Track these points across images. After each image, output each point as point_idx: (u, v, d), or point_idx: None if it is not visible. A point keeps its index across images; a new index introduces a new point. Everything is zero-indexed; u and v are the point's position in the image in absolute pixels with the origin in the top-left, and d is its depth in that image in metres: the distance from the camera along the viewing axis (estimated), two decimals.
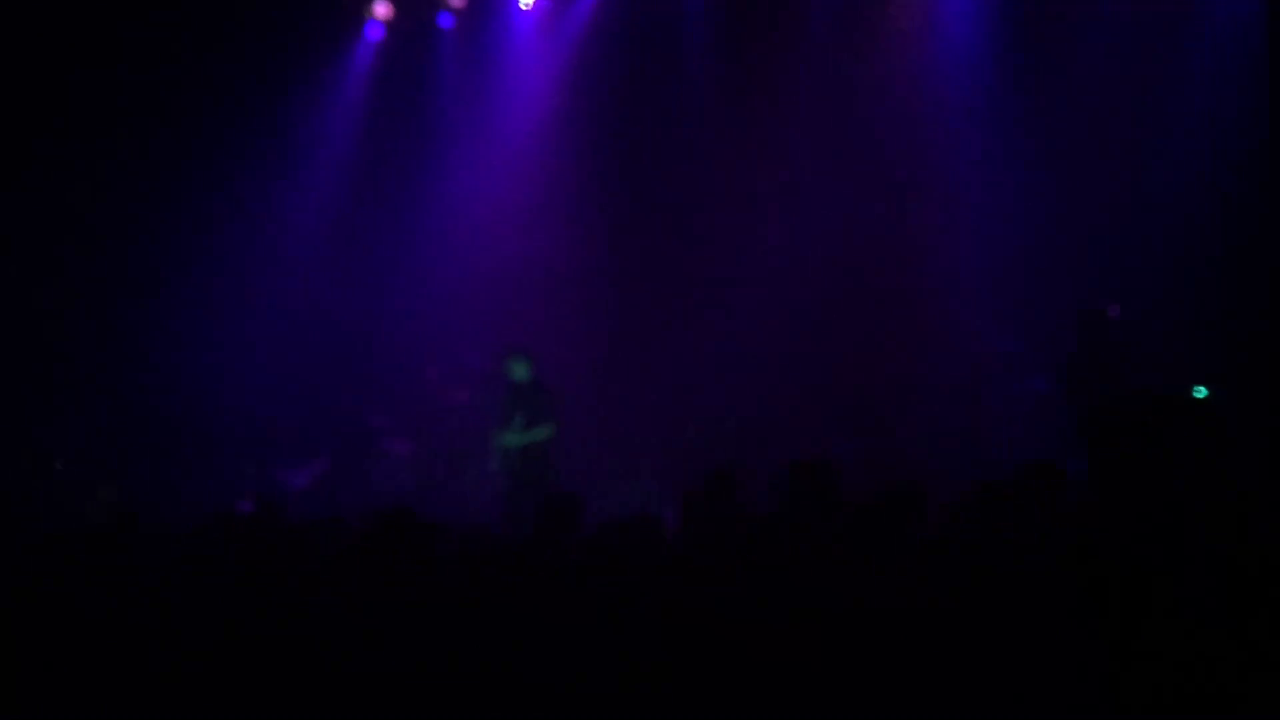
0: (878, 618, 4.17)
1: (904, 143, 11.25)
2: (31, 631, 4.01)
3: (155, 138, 11.75)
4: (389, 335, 12.08)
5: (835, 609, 4.36)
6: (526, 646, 4.51)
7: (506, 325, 11.20)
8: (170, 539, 5.18)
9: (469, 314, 11.82)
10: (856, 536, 5.20)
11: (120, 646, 3.84)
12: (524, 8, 12.34)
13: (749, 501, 8.63)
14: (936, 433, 9.94)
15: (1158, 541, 2.97)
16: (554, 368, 10.35)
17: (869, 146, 11.41)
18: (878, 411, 10.41)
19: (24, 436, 10.90)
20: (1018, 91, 10.82)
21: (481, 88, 12.58)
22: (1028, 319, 10.12)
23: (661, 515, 8.58)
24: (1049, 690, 3.24)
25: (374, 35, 12.63)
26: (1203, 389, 8.68)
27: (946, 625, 3.98)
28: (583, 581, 5.01)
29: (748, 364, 11.06)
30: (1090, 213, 10.61)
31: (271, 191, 12.09)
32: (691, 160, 12.10)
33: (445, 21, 12.53)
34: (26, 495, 10.07)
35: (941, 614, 4.07)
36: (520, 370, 9.88)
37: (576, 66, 12.33)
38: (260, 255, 12.01)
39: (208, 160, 11.85)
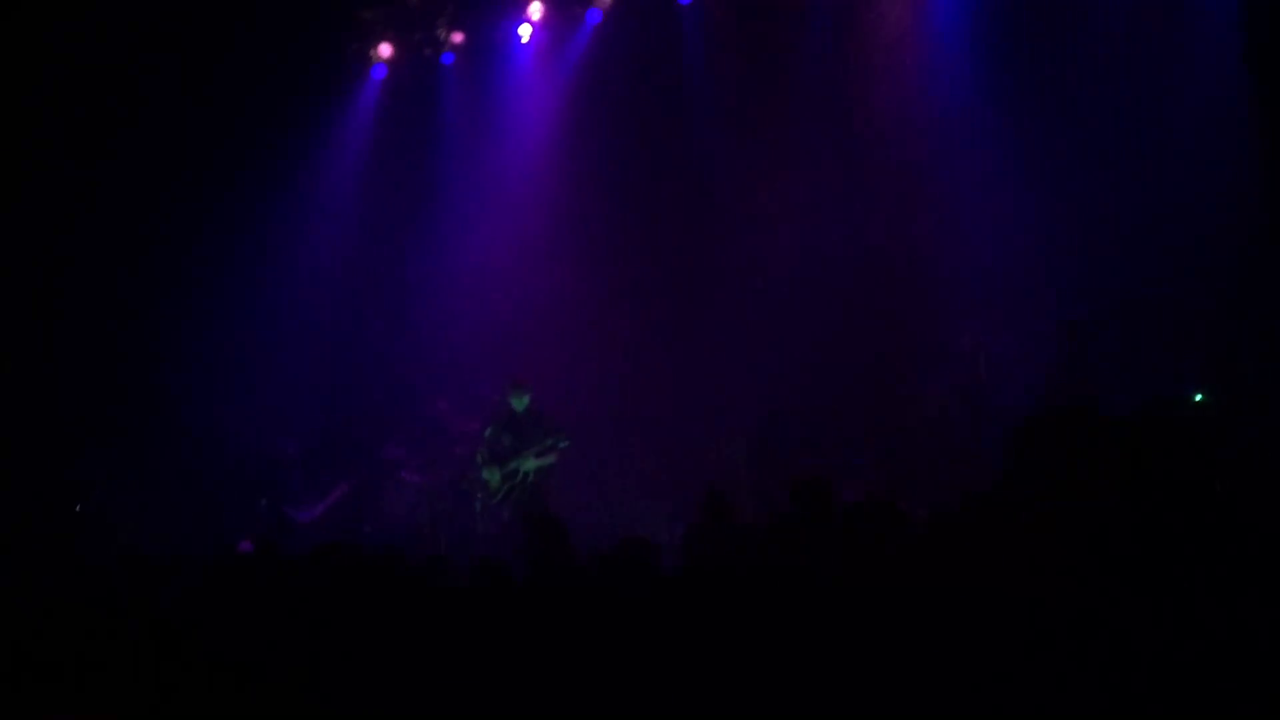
0: (871, 632, 4.29)
1: (904, 158, 11.33)
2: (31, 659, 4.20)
3: (165, 177, 12.03)
4: (401, 367, 12.30)
5: (833, 625, 4.49)
6: (525, 677, 4.65)
7: (515, 355, 11.39)
8: (173, 577, 5.36)
9: (479, 345, 12.01)
10: (849, 547, 5.30)
11: (116, 680, 4.03)
12: (523, 41, 12.56)
13: (751, 518, 8.78)
14: (938, 446, 10.01)
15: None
16: (563, 395, 10.52)
17: (869, 163, 11.52)
18: (882, 426, 10.50)
19: (43, 472, 11.15)
20: (1014, 105, 10.87)
21: (485, 121, 12.81)
22: (1025, 329, 10.15)
23: (661, 539, 8.76)
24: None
25: (378, 74, 12.88)
26: (1199, 395, 8.73)
27: (935, 640, 4.09)
28: (580, 608, 5.14)
29: (754, 381, 11.17)
30: (1086, 224, 10.69)
31: (282, 228, 12.35)
32: (694, 183, 12.25)
33: (447, 59, 12.77)
34: (45, 529, 10.30)
35: (930, 629, 4.18)
36: (520, 400, 10.09)
37: (577, 95, 12.52)
38: (274, 290, 12.27)
39: (219, 198, 12.13)
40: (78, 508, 10.97)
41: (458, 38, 12.65)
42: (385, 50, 12.76)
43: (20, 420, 11.27)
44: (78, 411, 11.60)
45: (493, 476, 10.08)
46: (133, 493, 11.05)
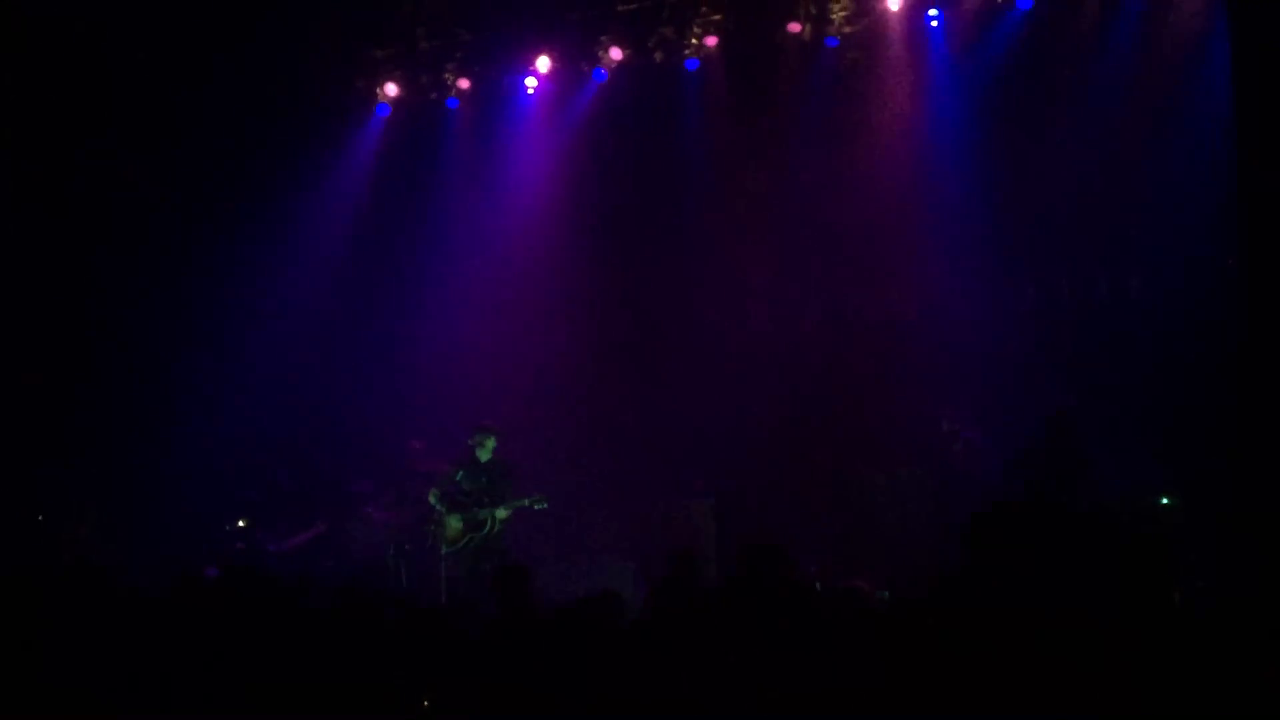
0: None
1: (891, 235, 11.52)
2: None
3: (166, 208, 12.12)
4: (378, 404, 12.30)
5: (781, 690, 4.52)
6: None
7: (491, 401, 11.42)
8: (135, 597, 5.35)
9: (457, 388, 12.04)
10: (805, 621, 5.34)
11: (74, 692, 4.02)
12: (529, 92, 12.73)
13: (711, 580, 8.80)
14: (903, 526, 10.07)
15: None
16: (534, 445, 10.52)
17: (856, 238, 11.70)
18: (847, 500, 10.57)
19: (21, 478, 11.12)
20: (1004, 190, 11.09)
21: (482, 167, 12.93)
22: (998, 411, 10.25)
23: (627, 593, 8.75)
24: None
25: (382, 112, 13.02)
26: (1165, 499, 8.83)
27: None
28: (542, 658, 5.15)
29: (725, 445, 11.24)
30: (1066, 311, 10.86)
31: (272, 261, 12.39)
32: (680, 245, 12.41)
33: (452, 103, 12.91)
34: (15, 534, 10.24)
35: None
36: (485, 448, 10.08)
37: (575, 151, 12.68)
38: (256, 323, 12.28)
39: (214, 231, 12.20)
40: (39, 517, 10.91)
41: (464, 84, 12.80)
42: (391, 90, 12.91)
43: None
44: (62, 418, 11.60)
45: (454, 523, 10.05)
46: (105, 502, 10.98)
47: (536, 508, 9.97)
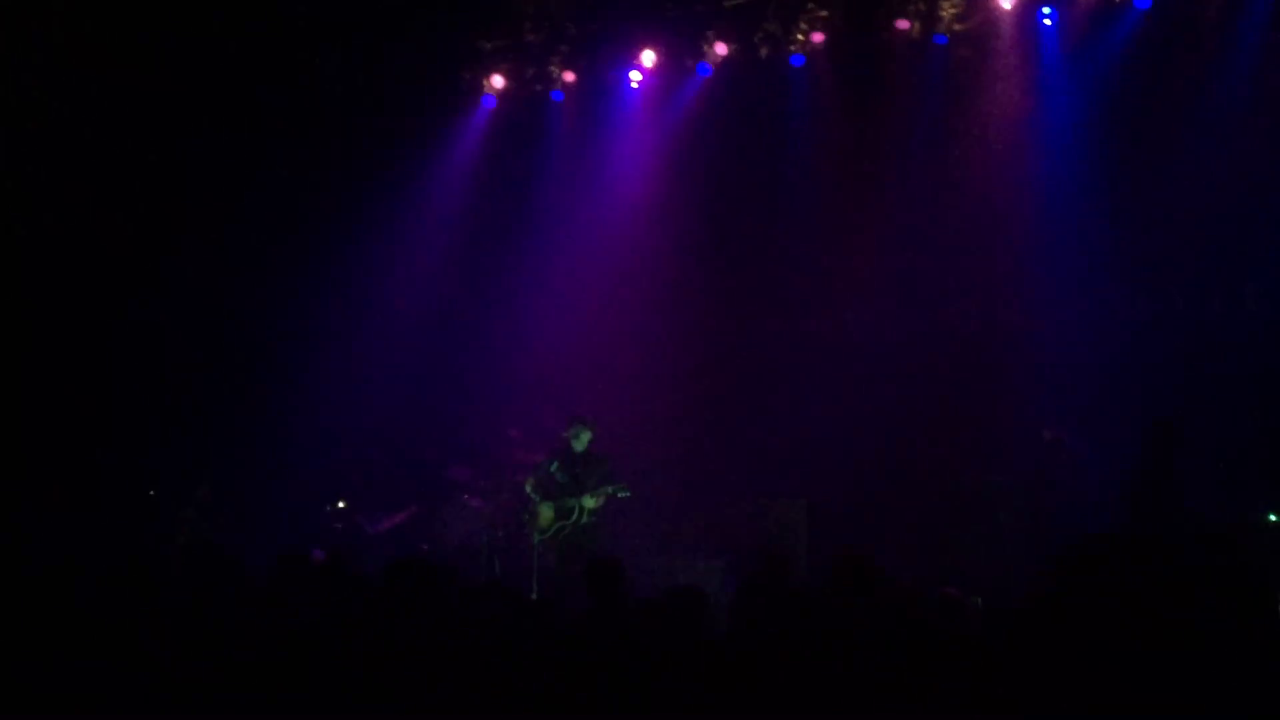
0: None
1: (998, 243, 11.32)
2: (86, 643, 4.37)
3: (275, 202, 12.40)
4: (479, 392, 12.48)
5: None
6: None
7: (589, 392, 11.51)
8: (243, 576, 5.52)
9: (557, 378, 12.16)
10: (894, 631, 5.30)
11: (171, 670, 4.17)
12: (633, 86, 12.77)
13: (803, 585, 8.76)
14: (994, 535, 9.92)
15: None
16: (629, 439, 10.56)
17: (962, 244, 11.52)
18: (941, 503, 10.43)
19: (126, 464, 11.53)
20: (1114, 202, 10.83)
21: (586, 159, 13.00)
22: (1104, 423, 10.03)
23: (714, 590, 8.77)
24: None
25: (488, 104, 13.17)
26: (1273, 515, 8.58)
27: None
28: (625, 650, 5.20)
29: (820, 448, 11.17)
30: (1177, 322, 10.58)
31: (378, 253, 12.63)
32: (784, 245, 12.35)
33: (557, 96, 13.01)
34: (121, 520, 10.61)
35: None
36: (580, 439, 10.15)
37: (679, 146, 12.69)
38: (364, 313, 12.55)
39: (323, 224, 12.50)
40: (151, 493, 11.30)
41: (570, 76, 12.88)
42: (498, 82, 13.05)
43: (113, 408, 11.68)
44: (174, 403, 11.99)
45: (546, 512, 10.17)
46: (213, 486, 11.34)
47: (620, 496, 10.01)
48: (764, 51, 12.03)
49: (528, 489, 10.39)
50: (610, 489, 9.99)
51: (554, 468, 10.23)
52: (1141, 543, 3.21)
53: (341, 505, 11.79)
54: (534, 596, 9.19)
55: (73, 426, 11.48)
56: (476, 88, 13.12)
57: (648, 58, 12.48)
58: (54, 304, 11.64)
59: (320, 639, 4.50)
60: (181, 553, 5.91)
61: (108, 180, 11.70)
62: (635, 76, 12.67)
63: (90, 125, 11.52)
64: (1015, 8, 11.23)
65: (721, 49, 12.23)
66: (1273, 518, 8.64)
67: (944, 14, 11.39)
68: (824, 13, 11.81)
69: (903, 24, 11.51)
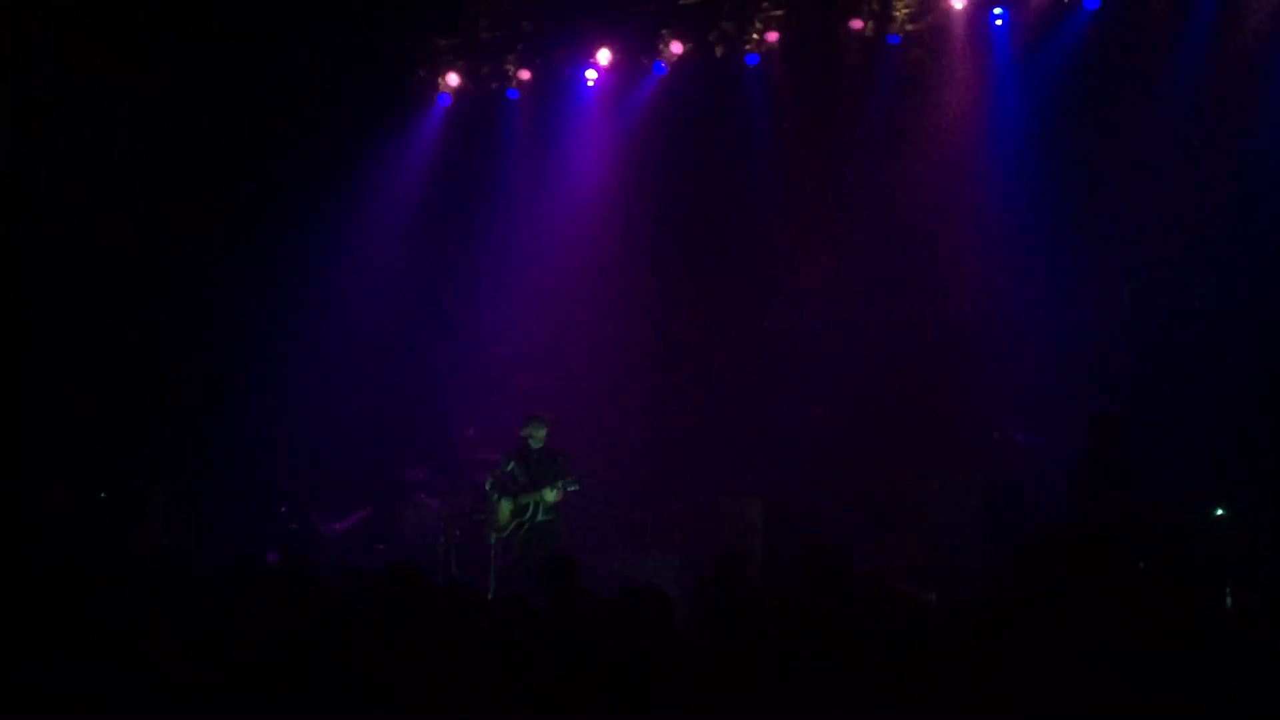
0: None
1: (948, 240, 11.42)
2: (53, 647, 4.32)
3: (222, 196, 12.29)
4: (435, 391, 12.42)
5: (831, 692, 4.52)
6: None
7: (545, 391, 11.49)
8: (196, 579, 5.47)
9: (512, 377, 12.13)
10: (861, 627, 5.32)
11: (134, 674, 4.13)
12: (589, 85, 12.76)
13: (759, 583, 8.79)
14: (947, 531, 10.00)
15: None
16: (585, 437, 10.55)
17: (914, 242, 11.61)
18: (896, 499, 10.51)
19: (80, 467, 11.36)
20: (1063, 195, 10.94)
21: (541, 158, 12.99)
22: (1056, 418, 10.12)
23: (669, 587, 8.77)
24: None
25: (443, 102, 13.11)
26: (1220, 509, 8.70)
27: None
28: (584, 649, 5.19)
29: (776, 445, 11.22)
30: (1127, 322, 10.71)
31: (329, 249, 12.53)
32: (738, 243, 12.39)
33: (512, 94, 12.98)
34: (75, 523, 10.46)
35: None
36: (536, 436, 10.14)
37: (635, 144, 12.69)
38: (316, 311, 12.45)
39: (272, 219, 12.36)
40: (102, 495, 11.16)
41: (525, 75, 12.86)
42: (453, 79, 13.00)
43: (67, 410, 11.51)
44: (126, 407, 11.85)
45: (505, 508, 10.15)
46: (170, 489, 11.22)
47: (570, 489, 10.00)
48: (719, 50, 12.09)
49: (487, 487, 10.37)
50: (561, 483, 9.99)
51: (510, 467, 10.22)
52: (1087, 538, 3.25)
53: (295, 507, 11.69)
54: (490, 596, 9.16)
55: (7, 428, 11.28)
56: (432, 86, 13.08)
57: (603, 56, 12.49)
58: None
59: (275, 641, 4.47)
60: (136, 555, 5.85)
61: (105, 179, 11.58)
62: (591, 75, 12.68)
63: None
64: (967, 8, 11.33)
65: (677, 47, 12.26)
66: (1220, 512, 8.76)
67: (897, 14, 11.48)
68: (778, 12, 11.88)
69: (856, 24, 11.59)
